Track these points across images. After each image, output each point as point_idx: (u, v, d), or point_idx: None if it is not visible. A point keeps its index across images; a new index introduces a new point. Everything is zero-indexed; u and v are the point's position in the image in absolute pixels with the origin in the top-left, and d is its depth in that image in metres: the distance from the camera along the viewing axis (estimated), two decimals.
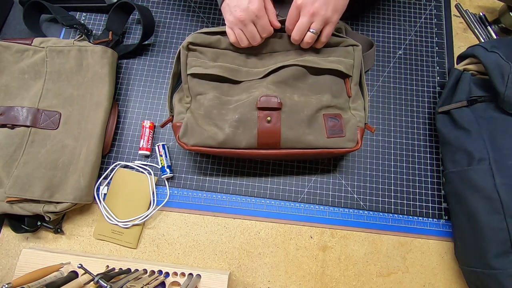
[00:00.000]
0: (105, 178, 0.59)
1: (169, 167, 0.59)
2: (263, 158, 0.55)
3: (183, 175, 0.60)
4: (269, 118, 0.49)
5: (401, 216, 0.58)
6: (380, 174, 0.60)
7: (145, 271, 0.51)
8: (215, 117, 0.50)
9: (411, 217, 0.58)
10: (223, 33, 0.55)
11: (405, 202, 0.59)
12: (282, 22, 0.53)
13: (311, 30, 0.50)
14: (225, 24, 0.53)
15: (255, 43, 0.52)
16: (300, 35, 0.50)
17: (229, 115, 0.50)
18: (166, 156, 0.59)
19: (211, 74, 0.52)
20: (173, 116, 0.54)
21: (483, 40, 0.69)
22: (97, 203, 0.58)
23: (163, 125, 0.54)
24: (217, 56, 0.54)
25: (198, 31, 0.54)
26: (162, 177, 0.59)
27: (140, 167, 0.60)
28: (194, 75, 0.53)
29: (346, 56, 0.54)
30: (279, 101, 0.49)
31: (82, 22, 0.67)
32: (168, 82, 0.65)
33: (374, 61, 0.66)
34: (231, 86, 0.54)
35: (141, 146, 0.59)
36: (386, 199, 0.59)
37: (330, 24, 0.50)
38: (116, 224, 0.56)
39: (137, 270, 0.51)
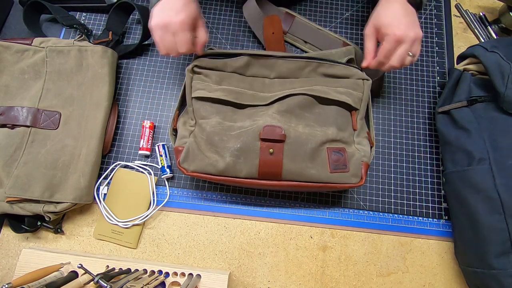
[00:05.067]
0: (105, 178, 0.59)
1: (169, 167, 0.59)
2: (264, 189, 0.55)
3: (183, 175, 0.60)
4: (271, 150, 0.48)
5: (401, 216, 0.58)
6: (380, 174, 0.60)
7: (145, 271, 0.51)
8: (216, 144, 0.49)
9: (411, 217, 0.58)
10: (230, 55, 0.54)
11: (405, 202, 0.59)
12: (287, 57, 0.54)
13: (410, 53, 0.50)
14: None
15: (173, 53, 0.50)
16: (402, 62, 0.50)
17: (231, 143, 0.49)
18: (166, 156, 0.59)
19: (214, 98, 0.51)
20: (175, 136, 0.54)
21: (483, 40, 0.69)
22: (97, 203, 0.58)
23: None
24: (222, 79, 0.54)
25: (205, 51, 0.54)
26: (162, 177, 0.59)
27: (140, 167, 0.60)
28: (198, 98, 0.52)
29: (355, 89, 0.53)
30: (283, 132, 0.48)
31: (82, 22, 0.67)
32: (169, 83, 0.65)
33: (382, 88, 0.64)
34: (235, 111, 0.53)
35: (141, 146, 0.59)
36: (386, 199, 0.59)
37: (419, 40, 0.50)
38: (116, 224, 0.56)
39: (137, 270, 0.51)
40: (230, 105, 0.53)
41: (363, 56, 0.62)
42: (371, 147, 0.54)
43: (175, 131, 0.56)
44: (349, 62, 0.58)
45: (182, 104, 0.57)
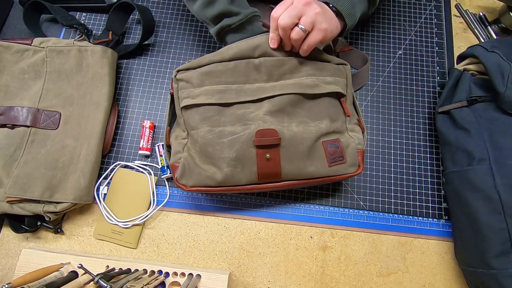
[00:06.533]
0: (105, 178, 0.59)
1: (169, 167, 0.59)
2: (265, 191, 0.55)
3: None
4: (268, 155, 0.48)
5: (401, 216, 0.58)
6: (380, 174, 0.60)
7: (145, 271, 0.51)
8: (211, 155, 0.48)
9: (411, 217, 0.58)
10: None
11: (405, 202, 0.59)
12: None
13: (299, 25, 0.46)
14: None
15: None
16: (288, 20, 0.45)
17: (225, 153, 0.48)
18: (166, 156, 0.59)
19: (199, 103, 0.50)
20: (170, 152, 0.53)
21: (483, 40, 0.69)
22: (97, 203, 0.58)
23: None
24: (203, 79, 0.51)
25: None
26: (162, 177, 0.59)
27: (140, 167, 0.60)
28: (186, 108, 0.51)
29: (340, 75, 0.53)
30: (277, 136, 0.47)
31: (82, 22, 0.67)
32: (168, 83, 0.65)
33: (368, 78, 0.65)
34: (221, 110, 0.50)
35: (141, 146, 0.59)
36: (386, 199, 0.59)
37: (317, 31, 0.46)
38: (116, 224, 0.56)
39: (137, 270, 0.51)
40: (215, 105, 0.50)
41: (346, 45, 0.61)
42: (362, 133, 0.54)
43: (169, 147, 0.55)
44: (327, 48, 0.56)
45: (172, 118, 0.56)
